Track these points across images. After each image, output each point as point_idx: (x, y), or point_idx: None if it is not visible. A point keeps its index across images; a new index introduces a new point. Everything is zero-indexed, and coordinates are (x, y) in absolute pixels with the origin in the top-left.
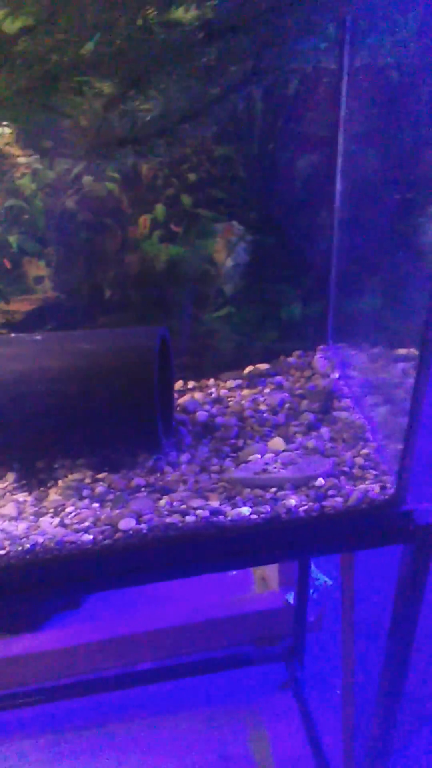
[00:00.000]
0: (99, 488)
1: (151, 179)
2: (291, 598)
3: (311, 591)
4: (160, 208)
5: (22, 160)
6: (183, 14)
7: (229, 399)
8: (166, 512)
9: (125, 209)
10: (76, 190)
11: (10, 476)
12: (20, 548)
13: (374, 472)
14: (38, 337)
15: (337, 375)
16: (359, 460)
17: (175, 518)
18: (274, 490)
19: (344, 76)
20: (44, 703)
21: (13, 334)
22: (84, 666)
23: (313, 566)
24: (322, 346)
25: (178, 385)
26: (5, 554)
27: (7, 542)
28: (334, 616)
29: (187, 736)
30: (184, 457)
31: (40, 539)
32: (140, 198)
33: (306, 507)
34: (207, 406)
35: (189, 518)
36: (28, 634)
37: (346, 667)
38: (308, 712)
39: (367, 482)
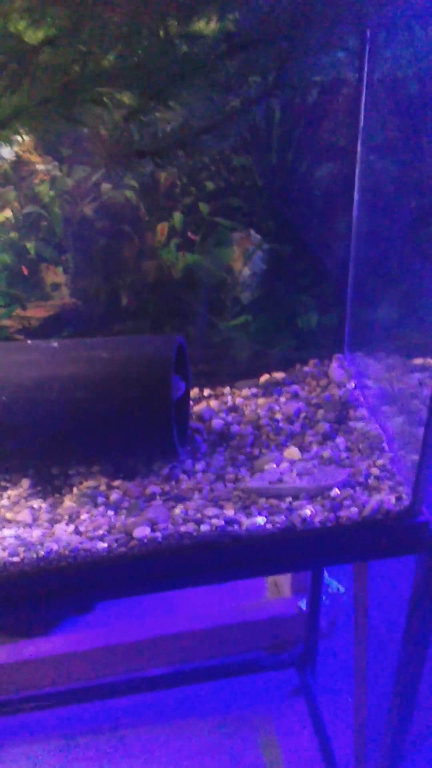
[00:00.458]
0: (114, 496)
1: (168, 187)
2: (303, 604)
3: (324, 597)
4: (177, 216)
5: (40, 167)
6: (204, 27)
7: (244, 407)
8: (180, 521)
9: (143, 217)
10: (94, 198)
11: (25, 483)
12: (35, 555)
13: (390, 483)
14: (54, 344)
15: (353, 384)
16: (375, 471)
17: (190, 527)
18: (289, 499)
19: (363, 86)
20: (56, 707)
21: (29, 341)
22: (95, 670)
23: (325, 573)
24: (338, 356)
25: (194, 392)
26: (20, 561)
27: (21, 549)
28: (347, 623)
29: (198, 742)
30: (199, 466)
31: (55, 546)
32: (158, 206)
33: (321, 517)
34: (222, 415)
35: (204, 527)
36: (41, 637)
37: (358, 674)
38: (320, 719)
39: (382, 493)
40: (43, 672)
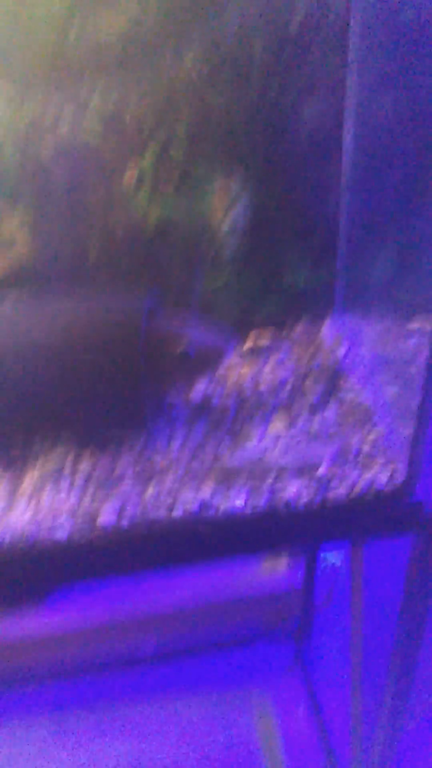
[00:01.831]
0: (79, 476)
1: (137, 129)
2: (299, 577)
3: (319, 571)
4: (147, 163)
5: None
6: None
7: (226, 377)
8: (152, 503)
9: (108, 162)
10: (53, 139)
11: None
12: None
13: (382, 459)
14: (10, 307)
15: (344, 350)
16: (366, 446)
17: (162, 510)
18: (272, 478)
19: (353, 11)
20: (48, 683)
21: None
22: (89, 647)
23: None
24: (328, 319)
25: None
26: None
27: None
28: (343, 596)
29: (193, 716)
30: (175, 442)
31: (11, 531)
32: (125, 149)
33: (306, 497)
34: (202, 386)
35: (177, 510)
36: (33, 611)
37: (354, 652)
38: (316, 695)
39: (374, 470)
40: (37, 649)
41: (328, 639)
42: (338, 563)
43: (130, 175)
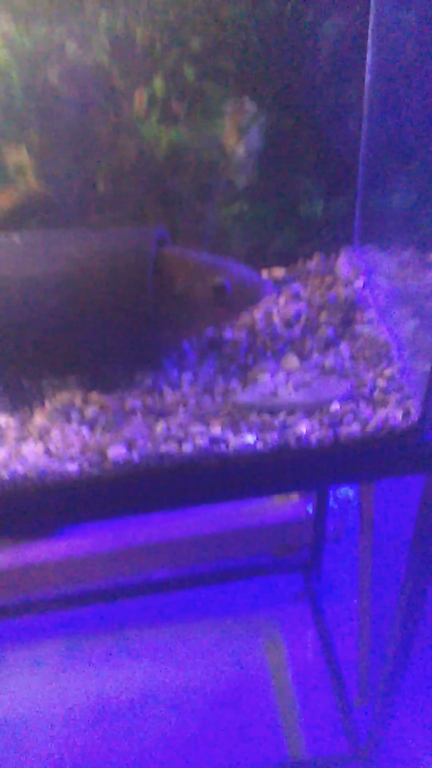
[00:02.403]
0: (90, 411)
1: (146, 47)
2: (310, 508)
3: (331, 502)
4: (158, 83)
5: None
6: None
7: None
8: (162, 438)
9: (117, 84)
10: (60, 61)
11: None
12: None
13: (397, 396)
14: (16, 239)
15: (361, 283)
16: (381, 382)
17: (172, 445)
18: (283, 415)
19: None
20: (59, 609)
21: None
22: (100, 574)
23: None
24: (346, 249)
25: None
26: None
27: None
28: (355, 528)
29: (202, 644)
30: (185, 377)
31: (21, 467)
32: (135, 70)
33: (319, 434)
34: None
35: (186, 446)
36: (44, 540)
37: (363, 584)
38: (324, 623)
39: (388, 407)
40: (47, 575)
41: (338, 568)
42: (350, 495)
43: (139, 97)
